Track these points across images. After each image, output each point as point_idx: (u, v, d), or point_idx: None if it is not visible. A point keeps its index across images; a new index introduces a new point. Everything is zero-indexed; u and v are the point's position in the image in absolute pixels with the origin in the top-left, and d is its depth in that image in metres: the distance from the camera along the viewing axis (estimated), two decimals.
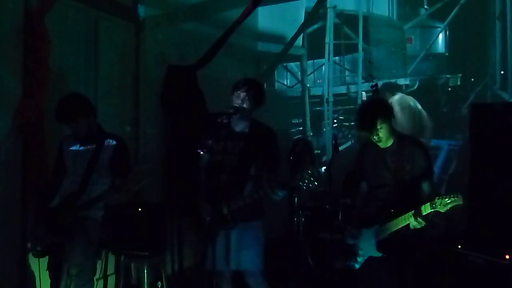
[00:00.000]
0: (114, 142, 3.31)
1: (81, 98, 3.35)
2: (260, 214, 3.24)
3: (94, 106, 3.43)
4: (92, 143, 3.28)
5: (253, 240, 3.17)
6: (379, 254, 2.95)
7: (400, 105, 5.90)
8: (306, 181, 2.78)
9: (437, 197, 2.74)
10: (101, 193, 3.19)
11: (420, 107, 6.11)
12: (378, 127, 2.97)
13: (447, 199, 2.71)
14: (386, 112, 3.04)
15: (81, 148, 3.30)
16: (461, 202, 2.73)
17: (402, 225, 2.87)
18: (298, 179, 2.81)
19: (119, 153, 3.29)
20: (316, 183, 2.79)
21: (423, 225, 2.81)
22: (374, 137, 3.02)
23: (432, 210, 2.75)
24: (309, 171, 2.78)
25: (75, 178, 3.25)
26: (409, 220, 2.83)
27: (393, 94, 6.06)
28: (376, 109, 3.05)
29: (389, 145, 3.07)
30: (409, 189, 3.00)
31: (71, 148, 3.33)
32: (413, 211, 2.81)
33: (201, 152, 3.14)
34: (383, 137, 3.02)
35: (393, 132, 3.07)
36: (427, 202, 2.77)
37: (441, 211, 2.74)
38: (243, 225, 3.12)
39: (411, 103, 6.07)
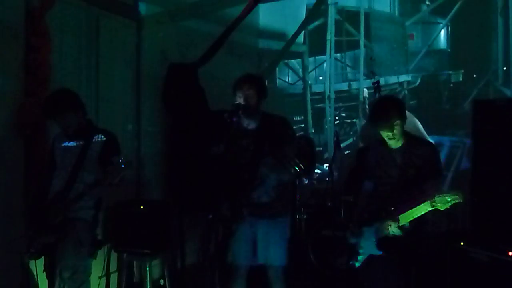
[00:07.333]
0: (104, 138, 3.19)
1: (69, 93, 3.23)
2: (286, 211, 3.28)
3: (82, 101, 3.31)
4: (81, 139, 3.19)
5: (281, 236, 3.21)
6: (379, 253, 2.93)
7: None
8: (294, 165, 2.81)
9: (437, 195, 2.69)
10: (84, 188, 3.07)
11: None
12: (395, 123, 2.91)
13: (447, 197, 2.66)
14: (403, 110, 3.00)
15: (71, 144, 3.21)
16: (461, 200, 2.68)
17: (403, 223, 2.84)
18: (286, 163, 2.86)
19: (108, 148, 3.17)
20: (302, 166, 2.81)
21: (399, 234, 2.82)
22: (389, 133, 2.94)
23: (432, 208, 2.71)
24: (294, 157, 2.82)
25: (63, 175, 3.16)
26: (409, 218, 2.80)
27: None
28: (394, 105, 3.00)
29: (399, 145, 3.02)
30: (413, 188, 2.92)
31: (61, 145, 3.25)
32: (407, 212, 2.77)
33: (214, 153, 3.13)
34: (397, 135, 2.95)
35: (404, 133, 3.02)
36: (426, 201, 2.72)
37: (441, 209, 2.69)
38: (270, 222, 3.16)
39: None
